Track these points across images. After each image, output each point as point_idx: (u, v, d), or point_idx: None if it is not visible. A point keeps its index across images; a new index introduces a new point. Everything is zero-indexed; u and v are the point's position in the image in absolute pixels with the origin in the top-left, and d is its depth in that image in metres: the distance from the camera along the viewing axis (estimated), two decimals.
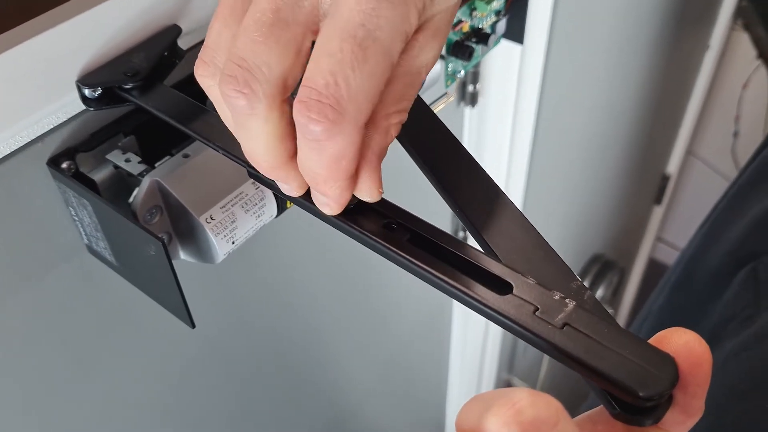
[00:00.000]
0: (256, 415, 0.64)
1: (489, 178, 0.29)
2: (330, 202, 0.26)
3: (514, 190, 0.82)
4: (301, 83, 0.23)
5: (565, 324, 0.23)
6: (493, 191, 0.28)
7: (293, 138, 0.25)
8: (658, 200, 1.57)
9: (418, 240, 0.26)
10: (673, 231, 1.72)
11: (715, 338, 0.45)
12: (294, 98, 0.23)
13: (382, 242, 0.26)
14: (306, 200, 0.27)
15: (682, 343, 0.22)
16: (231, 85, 0.24)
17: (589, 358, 0.22)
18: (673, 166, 1.51)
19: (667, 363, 0.21)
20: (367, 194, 0.26)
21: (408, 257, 0.25)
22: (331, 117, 0.22)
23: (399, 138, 0.32)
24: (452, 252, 0.25)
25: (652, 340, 0.22)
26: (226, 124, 0.27)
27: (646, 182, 1.47)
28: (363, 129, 0.24)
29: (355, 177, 0.25)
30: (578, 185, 1.09)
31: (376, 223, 0.27)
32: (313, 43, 0.24)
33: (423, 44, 0.25)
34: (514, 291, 0.24)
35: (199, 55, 0.26)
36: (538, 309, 0.23)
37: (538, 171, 0.86)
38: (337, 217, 0.27)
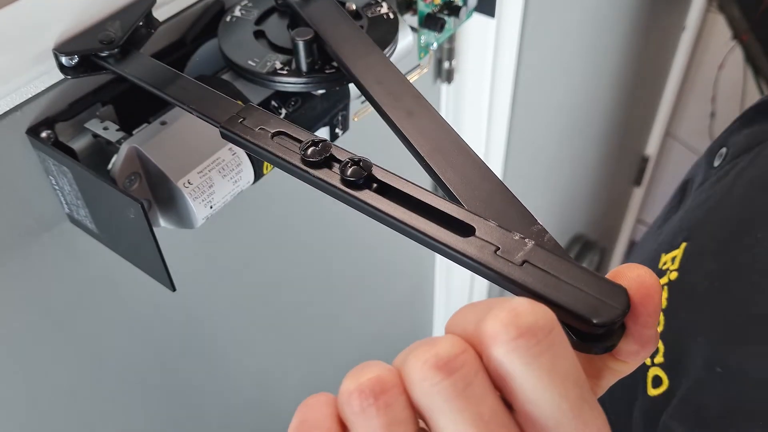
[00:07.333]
0: (240, 378, 0.65)
1: (451, 128, 0.30)
2: None
3: (493, 169, 0.83)
4: None
5: (524, 261, 0.24)
6: (456, 142, 0.29)
7: None
8: (637, 182, 1.59)
9: (385, 190, 0.27)
10: (653, 212, 1.74)
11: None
12: None
13: (351, 192, 0.27)
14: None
15: (634, 276, 0.23)
16: None
17: (547, 292, 0.23)
18: (652, 148, 1.53)
19: (619, 293, 0.22)
20: None
21: (375, 206, 0.26)
22: None
23: (365, 95, 0.33)
24: (418, 200, 0.27)
25: (608, 276, 0.24)
26: None
27: (625, 163, 1.49)
28: None
29: None
30: (557, 166, 1.10)
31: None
32: None
33: None
34: (477, 233, 0.25)
35: None
36: (498, 249, 0.24)
37: (516, 151, 0.87)
38: (305, 169, 0.28)
